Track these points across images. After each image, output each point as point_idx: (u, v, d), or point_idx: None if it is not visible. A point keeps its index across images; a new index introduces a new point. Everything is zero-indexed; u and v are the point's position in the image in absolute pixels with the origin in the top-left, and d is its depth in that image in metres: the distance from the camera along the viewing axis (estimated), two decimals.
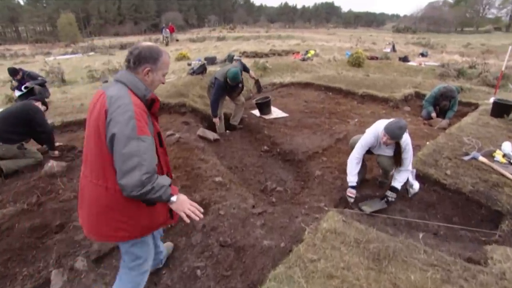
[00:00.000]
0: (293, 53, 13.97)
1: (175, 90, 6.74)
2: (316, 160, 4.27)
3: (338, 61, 11.38)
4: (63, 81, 9.87)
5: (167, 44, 22.49)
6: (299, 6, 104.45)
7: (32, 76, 7.14)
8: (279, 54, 14.57)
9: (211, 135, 5.01)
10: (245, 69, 5.47)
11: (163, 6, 65.81)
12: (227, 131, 5.69)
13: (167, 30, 23.76)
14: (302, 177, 3.99)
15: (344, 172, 3.71)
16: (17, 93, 6.82)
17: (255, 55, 14.25)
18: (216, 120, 5.27)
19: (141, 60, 1.60)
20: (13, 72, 7.00)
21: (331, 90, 7.79)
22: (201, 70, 8.08)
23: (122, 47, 22.32)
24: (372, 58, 11.85)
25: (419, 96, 7.10)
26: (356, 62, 10.63)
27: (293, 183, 3.91)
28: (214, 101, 5.07)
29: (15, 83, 7.13)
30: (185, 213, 1.59)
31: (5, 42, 44.35)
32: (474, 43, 28.06)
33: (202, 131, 5.01)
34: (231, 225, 2.71)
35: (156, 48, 1.64)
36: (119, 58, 14.54)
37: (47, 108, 4.18)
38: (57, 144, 4.31)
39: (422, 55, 13.93)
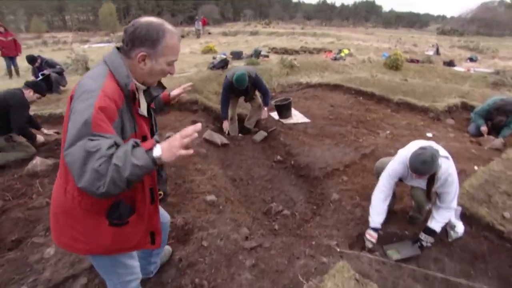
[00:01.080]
0: (325, 52, 13.13)
1: None
2: (335, 179, 3.60)
3: (373, 62, 10.43)
4: (87, 69, 9.82)
5: (198, 37, 22.34)
6: (337, 4, 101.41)
7: (50, 64, 7.01)
8: (310, 52, 13.79)
9: (218, 139, 4.48)
10: (256, 84, 4.68)
11: None
12: (240, 134, 5.15)
13: (200, 22, 23.60)
14: (316, 199, 3.35)
15: (367, 198, 3.04)
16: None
17: (285, 51, 13.60)
18: (225, 123, 4.76)
19: (134, 42, 1.19)
20: (31, 59, 6.96)
21: (362, 95, 6.98)
22: (222, 64, 7.59)
23: None
24: (412, 61, 10.76)
25: (466, 107, 6.12)
26: (393, 65, 9.63)
27: (303, 206, 3.28)
28: (221, 101, 4.64)
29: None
30: (181, 154, 1.06)
31: (52, 30, 46.78)
32: None
33: (209, 134, 4.49)
34: (213, 262, 2.16)
35: (157, 26, 1.20)
36: None
37: (41, 96, 3.82)
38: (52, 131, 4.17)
39: (471, 59, 12.53)
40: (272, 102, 5.82)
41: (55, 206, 1.31)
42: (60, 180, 1.28)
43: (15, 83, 7.50)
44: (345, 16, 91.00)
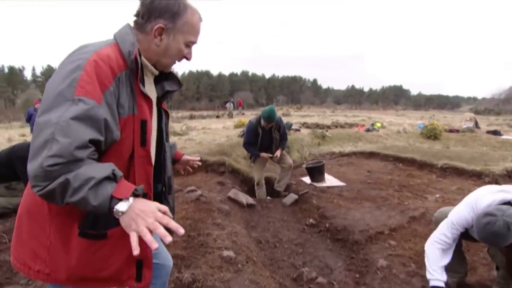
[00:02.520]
0: (357, 126, 13.06)
1: (219, 149, 6.23)
2: (380, 243, 2.99)
3: (408, 133, 10.07)
4: None
5: (231, 117, 23.67)
6: (366, 89, 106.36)
7: None
8: (342, 127, 13.80)
9: (244, 198, 4.12)
10: (279, 125, 4.53)
11: (236, 86, 73.18)
12: (269, 197, 4.77)
13: (231, 104, 25.44)
14: (358, 266, 2.72)
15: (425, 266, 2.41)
16: None
17: (316, 126, 13.71)
18: (263, 154, 4.49)
19: (151, 13, 1.03)
20: None
21: (401, 161, 6.48)
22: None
23: (192, 117, 24.13)
24: (451, 131, 10.25)
25: None
26: (431, 134, 9.15)
27: (343, 274, 2.66)
28: (246, 144, 4.56)
29: None
30: (139, 233, 0.82)
31: None
32: None
33: (234, 192, 4.16)
34: None
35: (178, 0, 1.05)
36: (180, 125, 15.19)
37: None
38: None
39: None
40: (304, 166, 5.52)
41: (21, 206, 1.03)
42: None
43: None
44: (374, 100, 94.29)
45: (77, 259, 0.96)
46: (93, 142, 0.86)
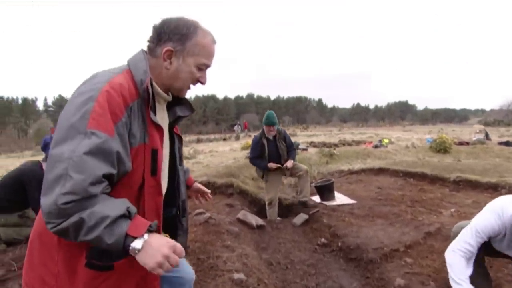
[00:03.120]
0: (365, 143, 12.98)
1: (226, 171, 6.22)
2: (396, 261, 2.88)
3: (417, 147, 9.94)
4: None
5: (237, 139, 23.82)
6: (371, 106, 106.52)
7: None
8: (349, 144, 13.72)
9: (254, 219, 4.05)
10: (285, 136, 4.59)
11: (242, 109, 74.09)
12: (279, 218, 4.69)
13: (239, 127, 25.61)
14: (374, 286, 2.61)
15: (446, 284, 2.31)
16: None
17: (323, 145, 13.67)
18: (271, 164, 4.43)
19: (161, 37, 1.04)
20: None
21: (412, 176, 6.36)
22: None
23: (199, 140, 24.31)
24: (461, 143, 10.09)
25: None
26: (441, 148, 9.02)
27: None
28: (251, 159, 4.60)
29: None
30: (162, 269, 0.84)
31: None
32: None
33: (243, 214, 4.10)
34: None
35: (188, 21, 1.06)
36: (187, 149, 15.32)
37: None
38: None
39: None
40: (313, 184, 5.45)
41: (34, 231, 1.03)
42: None
43: None
44: (380, 117, 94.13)
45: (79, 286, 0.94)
46: (106, 176, 0.86)
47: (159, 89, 1.07)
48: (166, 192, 1.14)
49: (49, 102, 69.21)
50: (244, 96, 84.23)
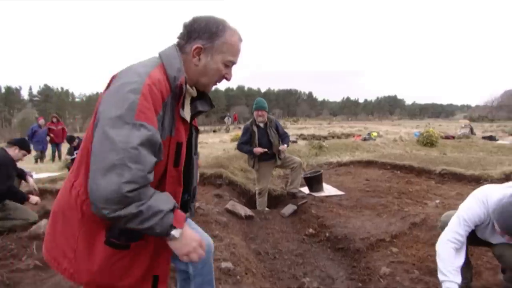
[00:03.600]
0: (354, 136, 13.10)
1: (216, 161, 6.19)
2: (382, 251, 2.93)
3: (405, 141, 10.09)
4: None
5: (227, 131, 23.73)
6: (361, 100, 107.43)
7: None
8: (338, 137, 13.84)
9: (242, 210, 4.06)
10: (277, 126, 4.63)
11: (232, 101, 73.66)
12: (267, 208, 4.71)
13: (230, 118, 25.46)
14: (360, 275, 2.65)
15: (429, 272, 2.36)
16: (69, 157, 7.28)
17: (312, 137, 13.74)
18: (257, 149, 4.41)
19: (191, 34, 1.10)
20: (70, 139, 7.59)
21: (399, 169, 6.45)
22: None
23: None
24: (447, 137, 10.30)
25: None
26: (427, 141, 9.19)
27: (345, 284, 2.58)
28: (239, 144, 4.65)
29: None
30: (189, 257, 1.01)
31: None
32: None
33: (232, 204, 4.10)
34: None
35: (218, 20, 1.12)
36: None
37: (27, 153, 3.67)
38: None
39: None
40: (302, 176, 5.47)
41: (56, 204, 1.10)
42: (70, 174, 1.09)
43: (55, 166, 7.89)
44: (370, 111, 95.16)
45: (99, 265, 1.01)
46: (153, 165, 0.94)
47: (189, 87, 1.13)
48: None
49: (34, 91, 67.20)
50: (235, 88, 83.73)
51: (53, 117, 10.24)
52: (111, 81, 1.03)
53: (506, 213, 1.62)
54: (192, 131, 1.27)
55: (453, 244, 1.83)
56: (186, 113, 1.15)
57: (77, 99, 72.02)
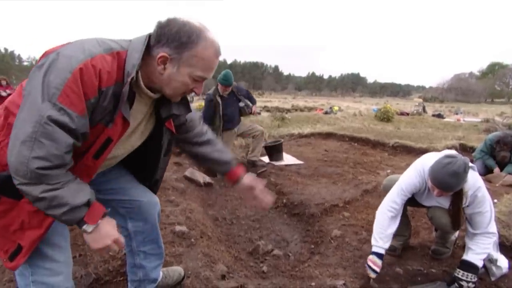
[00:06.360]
0: (316, 109, 13.36)
1: None
2: (335, 215, 3.06)
3: (364, 115, 10.50)
4: None
5: (191, 101, 23.16)
6: (325, 76, 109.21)
7: None
8: (301, 110, 14.04)
9: (201, 177, 3.99)
10: (240, 92, 4.64)
11: None
12: None
13: None
14: (313, 237, 2.76)
15: None
16: None
17: (276, 109, 13.80)
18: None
19: (161, 38, 0.96)
20: None
21: (356, 141, 6.73)
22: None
23: None
24: (402, 113, 10.88)
25: (465, 149, 5.86)
26: (384, 117, 9.66)
27: (298, 246, 2.68)
28: (204, 116, 4.34)
29: None
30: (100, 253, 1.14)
31: None
32: (510, 112, 26.49)
33: (190, 172, 4.02)
34: None
35: (193, 28, 0.96)
36: None
37: None
38: None
39: (457, 114, 12.78)
40: (262, 145, 5.48)
41: None
42: None
43: None
44: (333, 87, 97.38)
45: None
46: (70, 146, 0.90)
47: (143, 86, 1.03)
48: (145, 171, 1.34)
49: None
50: None
51: (2, 79, 9.01)
52: (63, 45, 0.93)
53: (436, 168, 1.74)
54: (163, 133, 1.21)
55: (390, 212, 1.97)
56: (137, 112, 1.07)
57: (25, 63, 65.21)
